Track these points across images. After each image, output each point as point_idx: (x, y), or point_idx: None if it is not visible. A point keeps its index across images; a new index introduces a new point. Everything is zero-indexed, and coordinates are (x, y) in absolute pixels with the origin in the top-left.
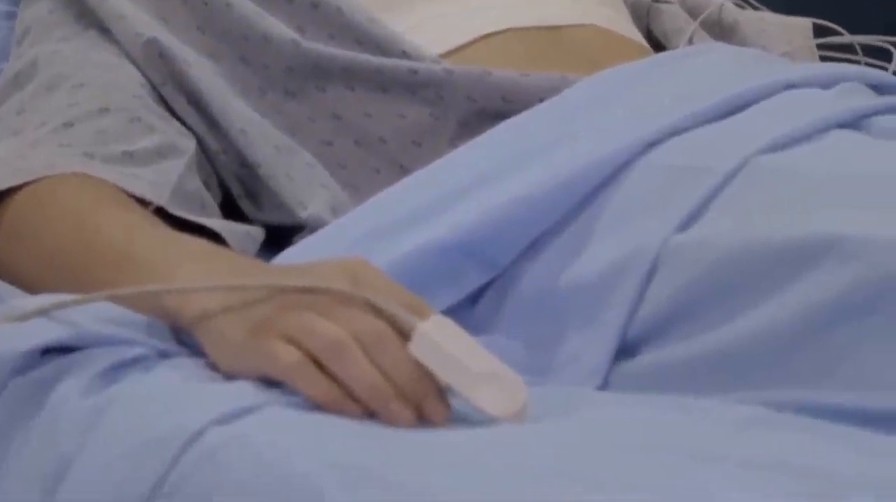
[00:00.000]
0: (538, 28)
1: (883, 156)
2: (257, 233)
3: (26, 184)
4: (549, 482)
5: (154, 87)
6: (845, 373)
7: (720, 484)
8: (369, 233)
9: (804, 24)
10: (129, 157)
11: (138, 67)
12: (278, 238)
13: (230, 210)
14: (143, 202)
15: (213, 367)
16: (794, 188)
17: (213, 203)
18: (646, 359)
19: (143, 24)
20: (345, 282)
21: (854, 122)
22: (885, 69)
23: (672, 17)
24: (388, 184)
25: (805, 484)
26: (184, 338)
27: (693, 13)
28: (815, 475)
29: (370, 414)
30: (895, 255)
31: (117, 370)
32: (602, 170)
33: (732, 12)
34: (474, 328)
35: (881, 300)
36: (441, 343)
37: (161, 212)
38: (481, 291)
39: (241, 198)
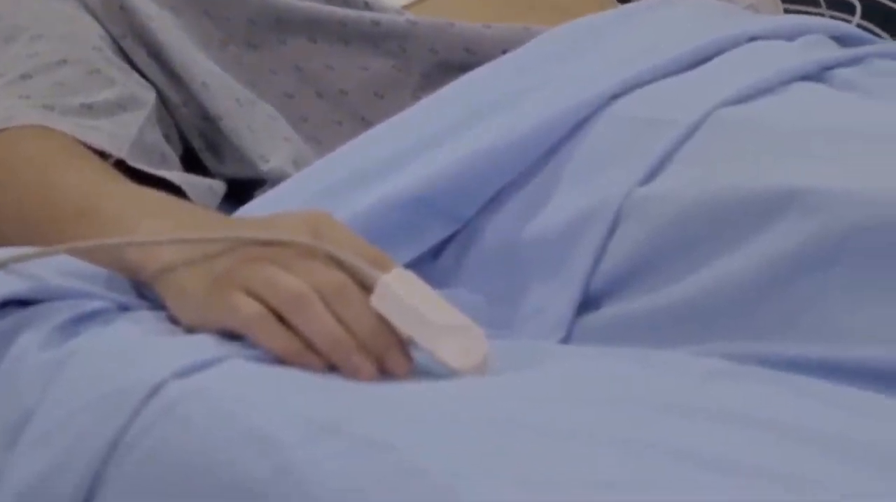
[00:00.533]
0: None
1: (845, 108)
2: (218, 187)
3: None
4: (514, 434)
5: (114, 40)
6: (808, 324)
7: (686, 438)
8: (331, 186)
9: None
10: (87, 110)
11: (97, 19)
12: (240, 191)
13: (191, 163)
14: (102, 155)
15: (174, 321)
16: (757, 140)
17: (173, 156)
18: (609, 312)
19: None
20: (306, 235)
21: (817, 75)
22: (849, 22)
23: None
24: (351, 137)
25: (770, 437)
26: (144, 291)
27: None
28: (779, 427)
29: (331, 368)
30: (857, 207)
31: (77, 323)
32: (565, 123)
33: None
34: (436, 281)
35: (844, 251)
36: (403, 296)
37: (121, 165)
38: (443, 245)
39: (202, 152)
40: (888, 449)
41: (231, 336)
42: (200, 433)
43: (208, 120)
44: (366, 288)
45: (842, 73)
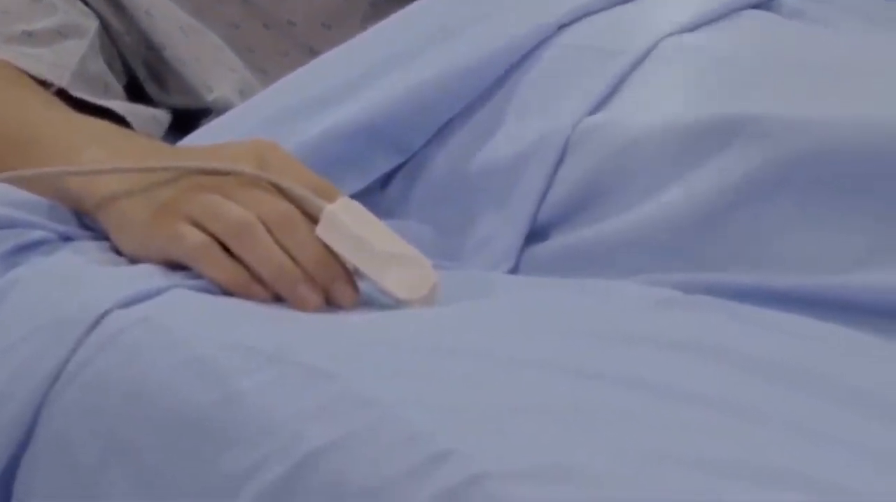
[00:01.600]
0: None
1: (794, 37)
2: (163, 117)
3: None
4: (462, 364)
5: None
6: (755, 253)
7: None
8: (277, 115)
9: None
10: (28, 37)
11: None
12: (185, 122)
13: (135, 93)
14: (45, 84)
15: (117, 251)
16: (705, 69)
17: (117, 85)
18: (557, 243)
19: None
20: (251, 164)
21: (766, 3)
22: None
23: None
24: (298, 68)
25: (719, 365)
26: (87, 221)
27: None
28: (726, 356)
29: (277, 298)
30: (804, 136)
31: (19, 253)
32: (514, 53)
33: None
34: (384, 213)
35: (790, 179)
36: (349, 226)
37: (63, 95)
38: (391, 175)
39: (146, 81)
40: (836, 378)
41: (175, 266)
42: (145, 362)
43: (152, 49)
44: (311, 218)
45: (790, 1)
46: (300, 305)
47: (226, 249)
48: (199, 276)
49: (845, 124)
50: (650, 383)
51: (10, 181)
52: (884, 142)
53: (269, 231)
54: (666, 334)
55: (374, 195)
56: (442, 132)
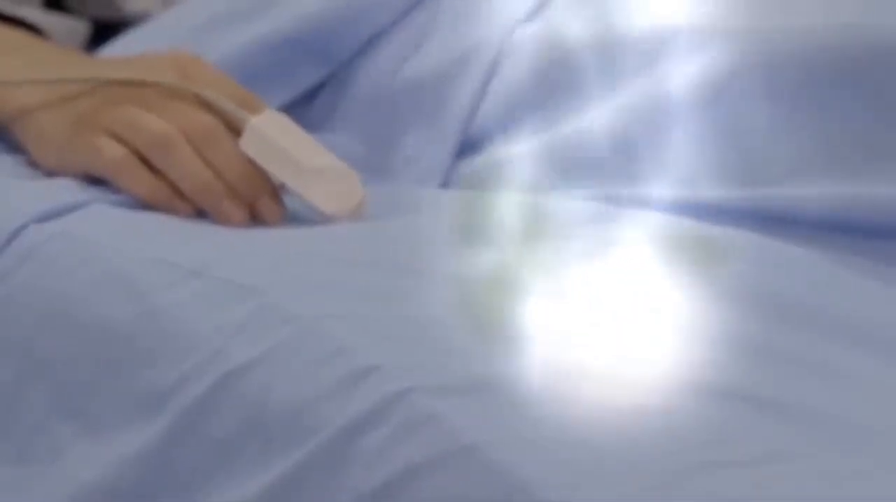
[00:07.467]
0: None
1: None
2: (82, 27)
3: None
4: (383, 275)
5: None
6: (686, 166)
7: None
8: (200, 26)
9: None
10: None
11: None
12: (106, 36)
13: (53, 4)
14: None
15: (34, 165)
16: None
17: None
18: (489, 156)
19: None
20: (173, 76)
21: None
22: None
23: None
24: None
25: (654, 277)
26: (2, 134)
27: None
28: (657, 267)
29: (201, 213)
30: (740, 46)
31: None
32: None
33: None
34: (311, 126)
35: (723, 91)
36: (274, 139)
37: None
38: (319, 88)
39: None
40: (776, 292)
41: (95, 181)
42: (62, 277)
43: None
44: (235, 131)
45: None
46: (224, 221)
47: (147, 163)
48: (118, 191)
49: (781, 34)
50: (585, 297)
51: None
52: (819, 52)
53: (192, 145)
54: (601, 248)
55: (301, 108)
56: (371, 43)
